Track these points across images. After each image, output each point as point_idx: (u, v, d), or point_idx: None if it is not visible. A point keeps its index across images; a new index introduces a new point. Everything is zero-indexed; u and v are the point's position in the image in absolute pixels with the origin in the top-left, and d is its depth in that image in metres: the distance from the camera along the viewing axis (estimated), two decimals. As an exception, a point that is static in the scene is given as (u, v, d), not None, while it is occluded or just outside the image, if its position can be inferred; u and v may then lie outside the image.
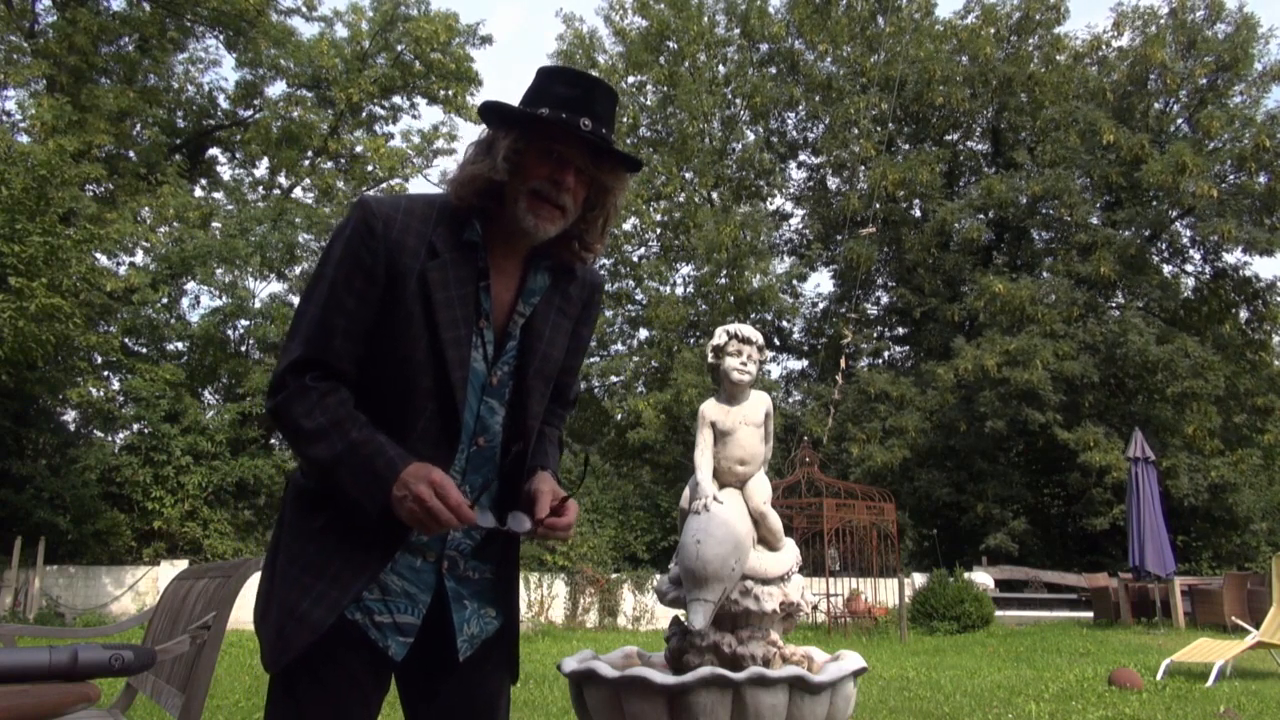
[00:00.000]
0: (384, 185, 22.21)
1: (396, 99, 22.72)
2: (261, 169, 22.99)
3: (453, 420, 1.56)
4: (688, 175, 23.17)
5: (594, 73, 23.43)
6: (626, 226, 23.68)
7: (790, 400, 23.66)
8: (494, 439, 1.63)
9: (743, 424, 3.44)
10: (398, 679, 1.64)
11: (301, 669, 1.51)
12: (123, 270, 17.72)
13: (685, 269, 23.35)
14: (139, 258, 18.52)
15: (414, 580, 1.59)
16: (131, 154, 19.45)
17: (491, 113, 1.60)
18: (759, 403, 3.50)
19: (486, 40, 22.45)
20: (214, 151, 23.03)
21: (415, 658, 1.60)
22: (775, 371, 25.02)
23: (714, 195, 23.50)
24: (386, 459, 1.47)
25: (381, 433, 1.50)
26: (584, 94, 1.57)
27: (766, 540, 3.42)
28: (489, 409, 1.62)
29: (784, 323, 24.24)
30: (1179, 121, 22.28)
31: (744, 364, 3.46)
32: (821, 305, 25.17)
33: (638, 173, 1.77)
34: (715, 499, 3.26)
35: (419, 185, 22.65)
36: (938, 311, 21.30)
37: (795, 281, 23.64)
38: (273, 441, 17.07)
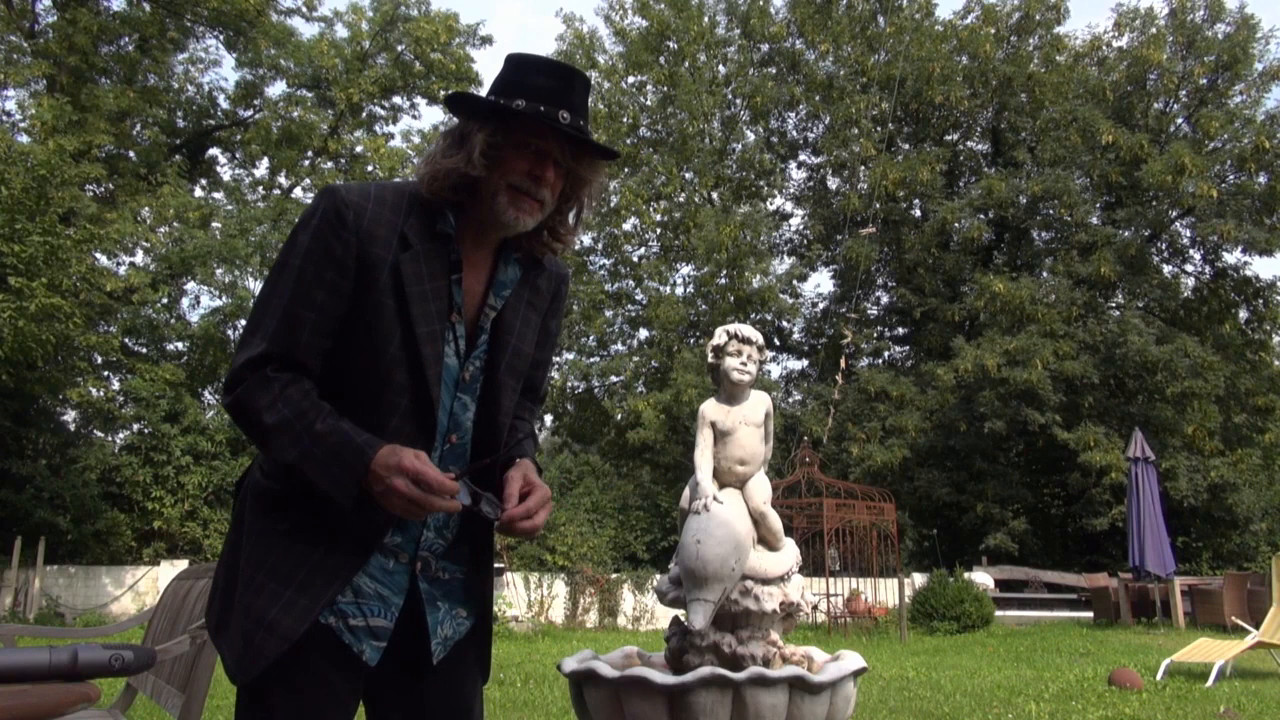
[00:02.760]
0: (384, 185, 22.18)
1: (396, 99, 22.75)
2: (261, 169, 23.02)
3: (428, 418, 1.51)
4: (688, 175, 23.17)
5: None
6: (626, 226, 23.70)
7: (790, 400, 23.66)
8: (465, 435, 1.60)
9: (743, 424, 3.44)
10: (367, 684, 1.57)
11: (274, 677, 1.45)
12: (123, 270, 17.73)
13: (685, 269, 23.38)
14: (139, 258, 18.56)
15: (386, 582, 1.54)
16: (131, 154, 19.45)
17: (463, 104, 1.56)
18: (759, 403, 3.50)
19: (487, 40, 22.48)
20: (214, 151, 23.05)
21: (387, 661, 1.55)
22: (775, 371, 25.06)
23: (714, 195, 23.50)
24: (354, 448, 1.41)
25: (347, 420, 1.45)
26: (561, 85, 1.53)
27: (766, 540, 3.42)
28: (461, 405, 1.58)
29: (784, 323, 24.24)
30: (1179, 121, 22.28)
31: (744, 364, 3.46)
32: (821, 305, 25.19)
33: (614, 161, 1.75)
34: (715, 499, 3.26)
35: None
36: (938, 311, 21.30)
37: (795, 281, 23.66)
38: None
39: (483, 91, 1.60)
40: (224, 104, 22.36)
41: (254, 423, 1.45)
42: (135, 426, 16.09)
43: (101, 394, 16.41)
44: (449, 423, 1.57)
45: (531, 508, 1.52)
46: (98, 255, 16.38)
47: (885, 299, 25.10)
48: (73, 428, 17.47)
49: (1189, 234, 21.78)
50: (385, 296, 1.47)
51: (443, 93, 22.13)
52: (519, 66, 1.57)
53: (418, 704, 1.59)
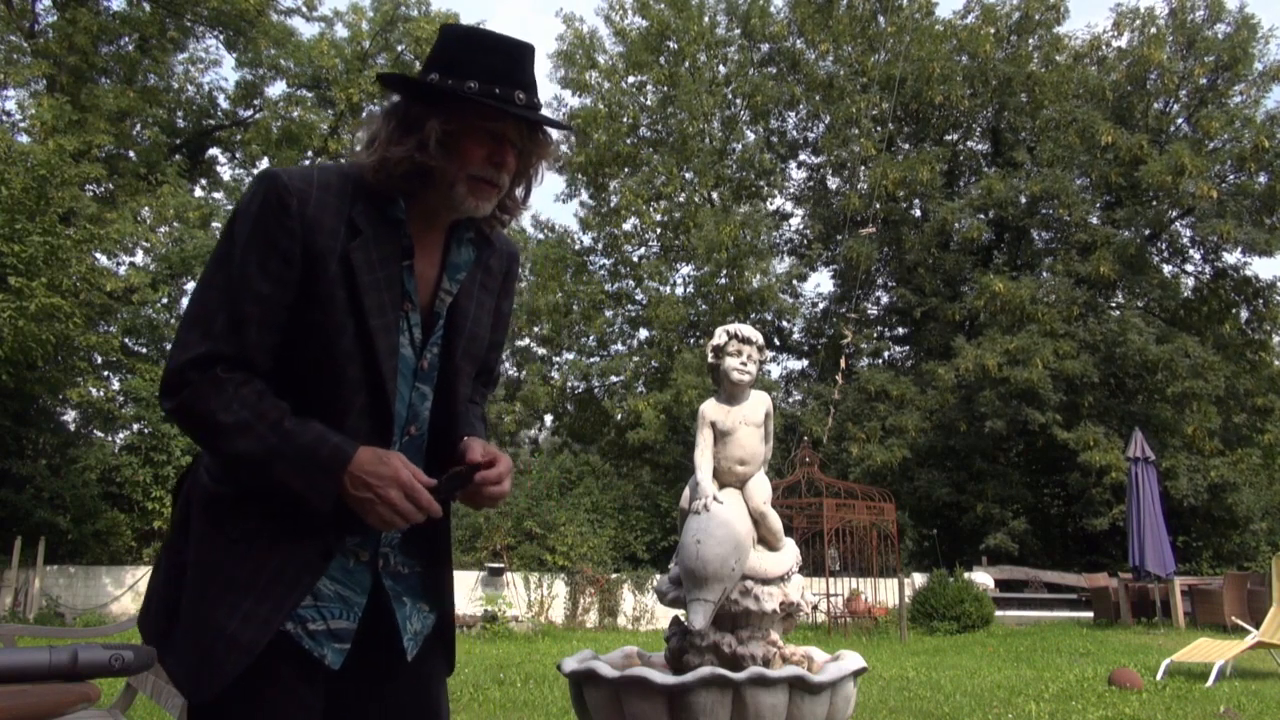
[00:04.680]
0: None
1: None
2: (261, 169, 23.00)
3: (385, 412, 1.45)
4: (688, 175, 23.18)
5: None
6: (626, 226, 23.71)
7: (790, 400, 23.66)
8: (423, 426, 1.54)
9: (743, 424, 3.44)
10: (336, 686, 1.49)
11: (235, 691, 1.36)
12: (123, 270, 17.73)
13: (685, 269, 23.38)
14: (139, 258, 18.55)
15: (347, 583, 1.48)
16: (131, 154, 19.45)
17: (406, 86, 1.50)
18: (759, 403, 3.50)
19: (487, 40, 22.46)
20: (214, 151, 23.06)
21: (356, 662, 1.48)
22: (775, 371, 25.05)
23: (714, 195, 23.50)
24: (331, 446, 1.36)
25: (313, 418, 1.39)
26: (512, 62, 1.47)
27: (766, 540, 3.42)
28: (420, 396, 1.52)
29: (784, 323, 24.25)
30: (1179, 121, 22.28)
31: (744, 364, 3.46)
32: (821, 305, 25.19)
33: (566, 131, 1.70)
34: (715, 499, 3.26)
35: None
36: (938, 311, 21.30)
37: (795, 281, 23.66)
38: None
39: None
40: (224, 104, 22.40)
41: (207, 426, 1.36)
42: (135, 426, 16.08)
43: (101, 394, 16.40)
44: (407, 414, 1.51)
45: (503, 472, 1.49)
46: (98, 255, 16.38)
47: (885, 299, 25.11)
48: (73, 428, 17.46)
49: (1189, 234, 21.79)
50: (335, 288, 1.40)
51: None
52: (461, 41, 1.50)
53: (390, 703, 1.55)
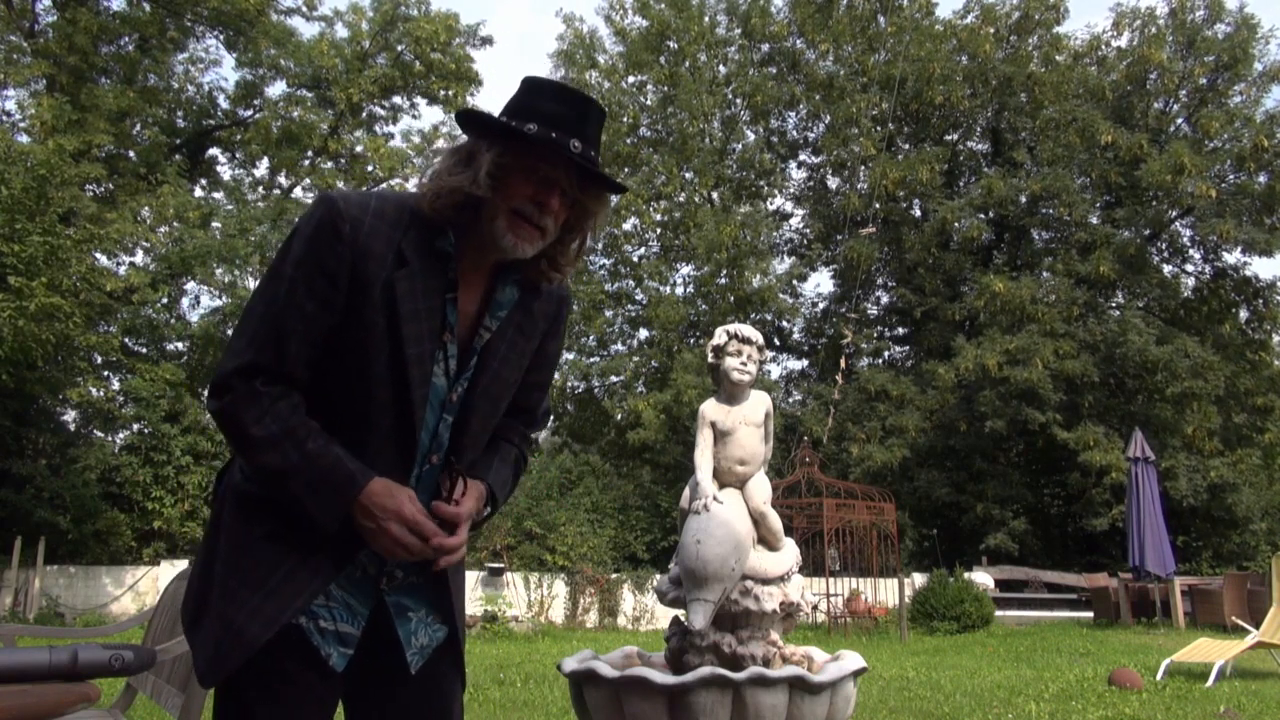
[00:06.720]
0: (384, 185, 22.19)
1: (396, 99, 22.73)
2: (261, 169, 22.99)
3: (409, 438, 1.50)
4: (688, 175, 23.18)
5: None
6: (626, 226, 23.69)
7: (790, 400, 23.66)
8: (445, 457, 1.58)
9: (743, 424, 3.44)
10: (347, 693, 1.57)
11: (248, 678, 1.44)
12: (123, 270, 17.71)
13: (685, 269, 23.38)
14: (139, 258, 18.55)
15: (353, 591, 1.53)
16: (131, 154, 19.43)
17: (474, 122, 1.54)
18: (759, 403, 3.50)
19: (487, 41, 22.46)
20: (214, 151, 23.01)
21: (366, 671, 1.54)
22: (775, 371, 25.05)
23: (714, 195, 23.50)
24: (346, 473, 1.42)
25: (337, 442, 1.45)
26: (575, 113, 1.51)
27: (766, 540, 3.42)
28: (446, 426, 1.56)
29: (784, 323, 24.24)
30: (1179, 121, 22.28)
31: (744, 364, 3.46)
32: (821, 305, 25.20)
33: (621, 195, 1.73)
34: (715, 499, 3.26)
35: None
36: (938, 311, 21.30)
37: (795, 281, 23.66)
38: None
39: (484, 96, 1.58)
40: (224, 104, 22.34)
41: (240, 434, 1.44)
42: (135, 426, 16.08)
43: (101, 394, 16.39)
44: (431, 443, 1.55)
45: (444, 549, 1.50)
46: (98, 255, 16.38)
47: (885, 299, 25.11)
48: (73, 428, 17.46)
49: (1189, 234, 21.80)
50: (376, 314, 1.45)
51: (444, 93, 22.14)
52: (534, 90, 1.54)
53: (397, 710, 1.58)
